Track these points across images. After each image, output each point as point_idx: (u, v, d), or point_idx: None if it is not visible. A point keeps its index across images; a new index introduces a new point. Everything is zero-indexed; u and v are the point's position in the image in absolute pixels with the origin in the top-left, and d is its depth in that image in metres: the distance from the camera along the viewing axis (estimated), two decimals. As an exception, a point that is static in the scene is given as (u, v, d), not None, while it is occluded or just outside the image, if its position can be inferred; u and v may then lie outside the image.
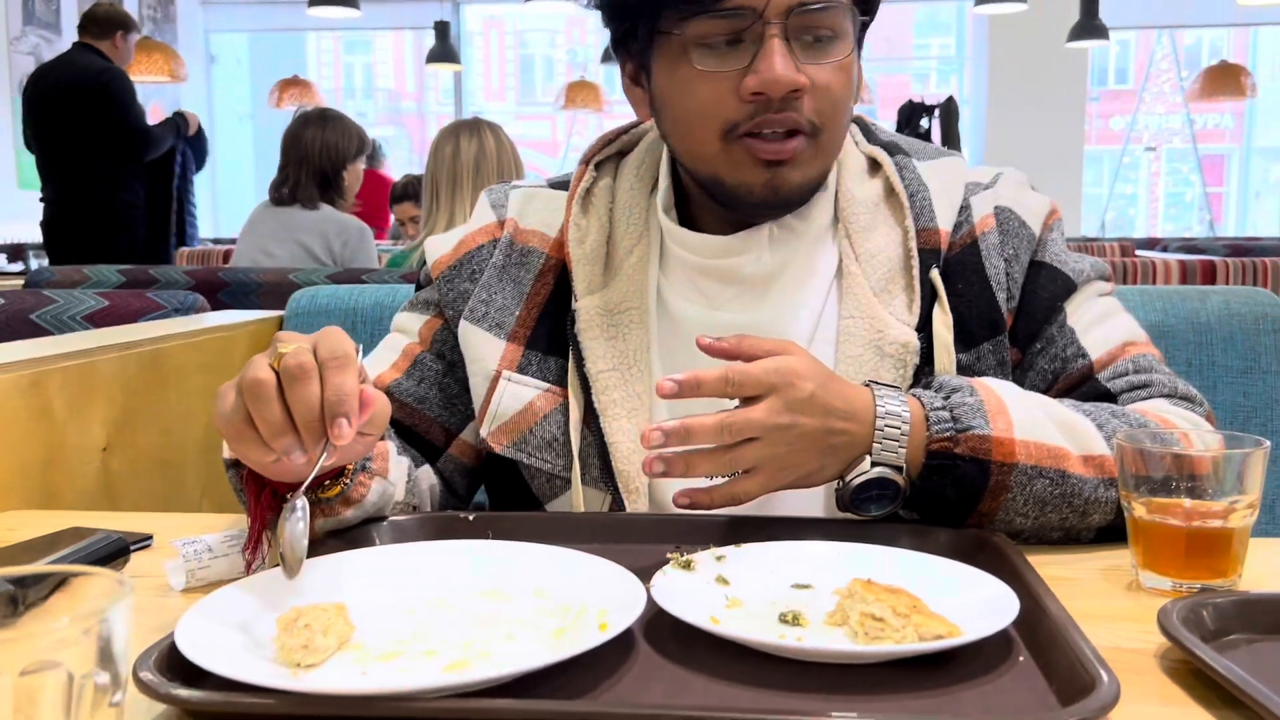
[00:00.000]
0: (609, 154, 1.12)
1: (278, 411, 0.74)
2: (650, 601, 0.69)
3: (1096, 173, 9.50)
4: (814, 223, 1.04)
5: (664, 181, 1.07)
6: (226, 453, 0.90)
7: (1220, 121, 10.05)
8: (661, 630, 0.70)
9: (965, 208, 1.05)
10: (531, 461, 1.03)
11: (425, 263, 1.14)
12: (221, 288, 2.33)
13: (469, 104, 9.54)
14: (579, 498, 1.02)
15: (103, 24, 4.34)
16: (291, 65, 9.21)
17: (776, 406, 0.83)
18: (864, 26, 1.01)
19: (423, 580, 0.76)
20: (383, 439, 0.93)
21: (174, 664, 0.62)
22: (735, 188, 0.98)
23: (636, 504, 1.01)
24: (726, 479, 0.86)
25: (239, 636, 0.66)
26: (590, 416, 1.02)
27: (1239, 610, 0.70)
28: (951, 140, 5.70)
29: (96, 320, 1.58)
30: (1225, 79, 6.80)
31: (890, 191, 1.06)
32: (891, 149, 1.09)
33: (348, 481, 0.87)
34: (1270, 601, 0.69)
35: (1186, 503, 0.79)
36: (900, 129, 5.43)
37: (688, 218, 1.07)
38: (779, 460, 0.85)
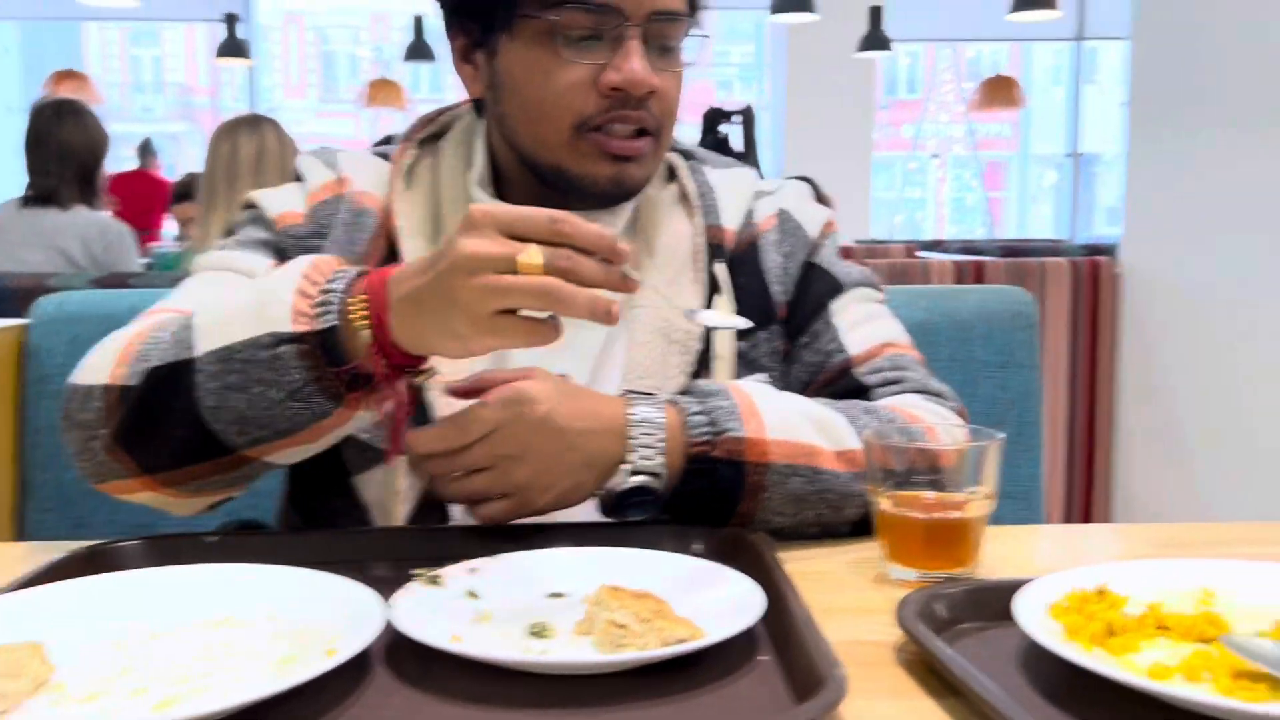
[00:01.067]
0: (428, 133, 1.12)
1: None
2: (390, 622, 0.66)
3: (887, 178, 9.96)
4: (619, 219, 1.06)
5: (480, 159, 1.06)
6: (283, 326, 0.81)
7: (1000, 130, 10.71)
8: (401, 651, 0.67)
9: (751, 211, 1.12)
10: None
11: (255, 211, 1.07)
12: (-33, 295, 2.14)
13: (266, 100, 9.18)
14: (399, 476, 0.98)
15: None
16: (68, 58, 8.64)
17: (500, 439, 0.85)
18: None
19: (142, 611, 0.70)
20: None
21: None
22: (579, 178, 1.00)
23: None
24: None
25: (-88, 686, 0.59)
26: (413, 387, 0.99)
27: (969, 599, 0.72)
28: (750, 145, 5.85)
29: None
30: (1001, 90, 7.24)
31: (683, 194, 1.11)
32: (687, 154, 1.14)
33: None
34: (998, 589, 0.71)
35: (929, 495, 0.81)
36: (704, 134, 5.54)
37: (502, 197, 1.06)
38: (521, 485, 0.86)
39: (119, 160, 6.46)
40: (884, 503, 0.82)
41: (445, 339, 0.79)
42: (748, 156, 4.45)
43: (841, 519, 0.93)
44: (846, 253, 1.22)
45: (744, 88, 10.29)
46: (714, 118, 6.10)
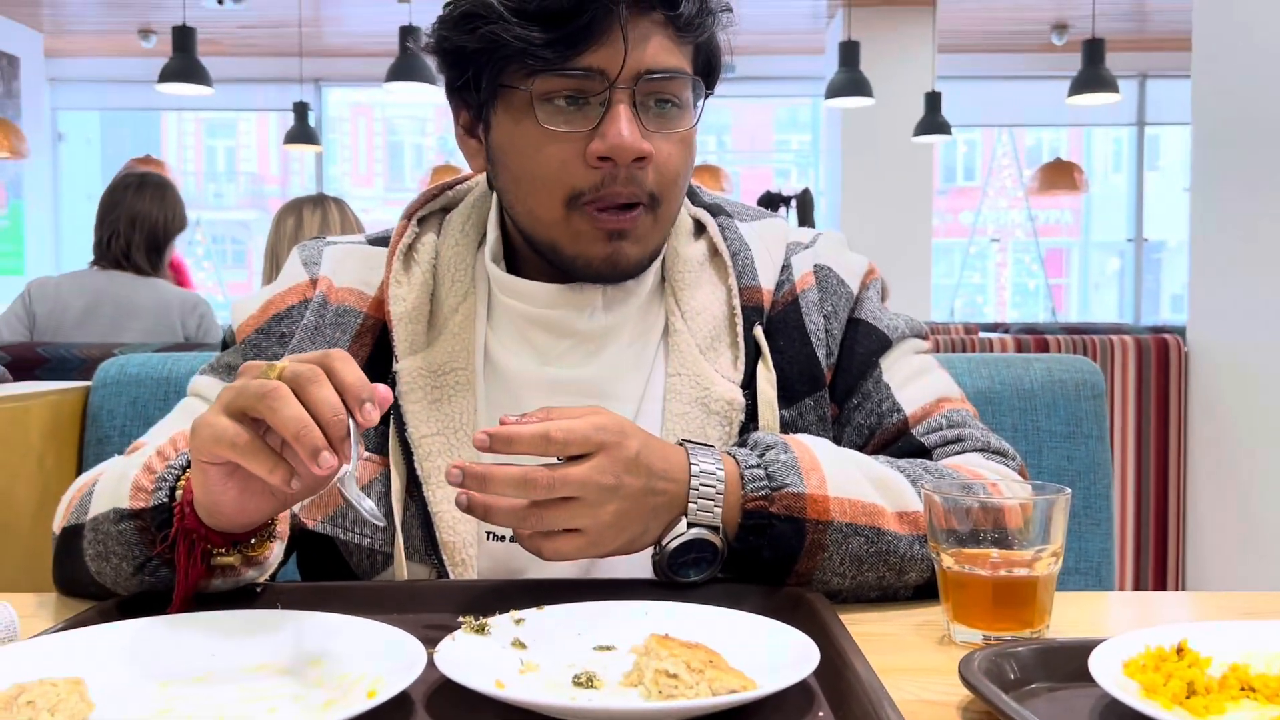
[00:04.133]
0: (432, 209, 1.08)
1: (300, 409, 0.70)
2: (435, 668, 0.64)
3: (947, 264, 9.91)
4: (645, 283, 1.02)
5: (493, 234, 1.03)
6: (124, 503, 0.82)
7: (1060, 217, 10.64)
8: (445, 697, 0.65)
9: (786, 266, 1.06)
10: (349, 538, 0.97)
11: (230, 326, 1.08)
12: (39, 364, 2.19)
13: (334, 188, 9.44)
14: (402, 573, 0.96)
15: None
16: (146, 146, 8.97)
17: (603, 465, 0.81)
18: (705, 97, 1.00)
19: (185, 654, 0.69)
20: None
21: None
22: (574, 259, 0.96)
23: (464, 577, 0.95)
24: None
25: (-48, 719, 0.58)
26: (413, 486, 0.97)
27: (1039, 659, 0.69)
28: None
29: (-125, 391, 1.45)
30: (1061, 175, 7.20)
31: (714, 252, 1.06)
32: (714, 210, 1.09)
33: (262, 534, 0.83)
34: (1070, 649, 0.68)
35: (994, 553, 0.78)
36: (759, 218, 5.56)
37: (515, 271, 1.03)
38: (603, 523, 0.81)
39: (208, 243, 6.67)
40: (947, 560, 0.79)
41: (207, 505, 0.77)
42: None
43: (902, 583, 0.89)
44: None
45: (801, 175, 10.37)
46: (770, 202, 6.15)
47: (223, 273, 10.44)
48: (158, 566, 0.82)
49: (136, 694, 0.64)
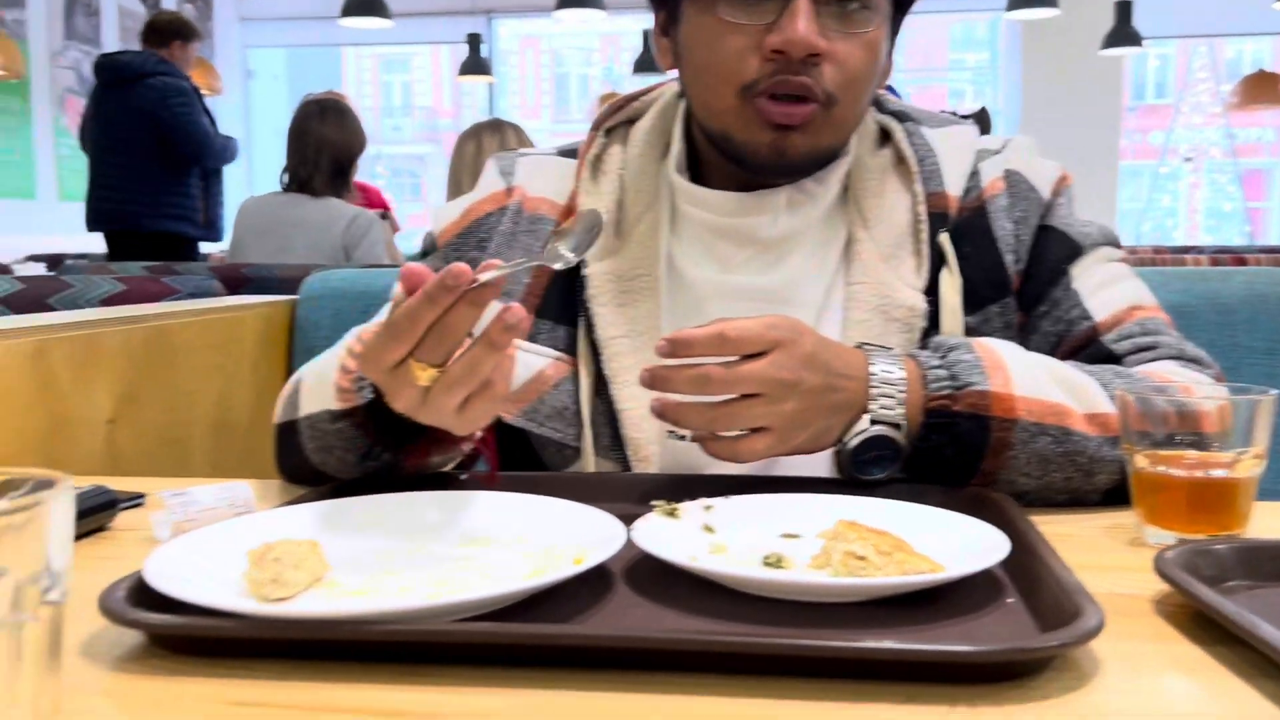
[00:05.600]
0: (619, 121, 1.11)
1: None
2: (631, 545, 0.68)
3: (1134, 188, 9.39)
4: (828, 191, 1.03)
5: (677, 144, 1.06)
6: (333, 405, 0.88)
7: (1261, 135, 9.92)
8: (641, 572, 0.68)
9: (975, 173, 1.05)
10: (542, 431, 1.02)
11: (430, 233, 1.14)
12: (244, 283, 2.34)
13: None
14: (590, 467, 1.01)
15: (163, 32, 4.46)
16: (328, 82, 9.32)
17: (780, 361, 0.82)
18: (900, 9, 1.00)
19: (402, 528, 0.75)
20: None
21: (141, 595, 0.61)
22: (742, 146, 0.98)
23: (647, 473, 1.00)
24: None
25: (209, 572, 0.65)
26: (601, 385, 1.02)
27: (1239, 557, 0.67)
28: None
29: (110, 303, 1.60)
30: (1264, 89, 6.70)
31: (900, 159, 1.05)
32: (901, 116, 1.08)
33: None
34: (1271, 548, 0.66)
35: (1192, 454, 0.76)
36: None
37: (700, 181, 1.06)
38: (786, 419, 0.83)
39: (369, 178, 6.94)
40: (1141, 461, 0.78)
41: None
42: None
43: (1091, 485, 0.88)
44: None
45: (976, 94, 9.96)
46: (945, 124, 5.95)
47: (401, 206, 10.83)
48: (380, 453, 0.89)
49: (364, 559, 0.70)
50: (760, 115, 0.95)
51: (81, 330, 1.18)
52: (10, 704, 0.43)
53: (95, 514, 0.84)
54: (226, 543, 0.69)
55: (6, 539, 0.42)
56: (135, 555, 0.77)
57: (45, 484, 0.45)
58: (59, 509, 0.44)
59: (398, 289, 0.77)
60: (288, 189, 3.08)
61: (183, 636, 0.58)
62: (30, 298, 1.60)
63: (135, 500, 0.92)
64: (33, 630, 0.43)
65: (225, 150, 4.43)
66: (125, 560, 0.75)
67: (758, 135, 0.96)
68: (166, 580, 0.60)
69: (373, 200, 3.85)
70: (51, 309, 1.56)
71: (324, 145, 3.01)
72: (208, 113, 4.36)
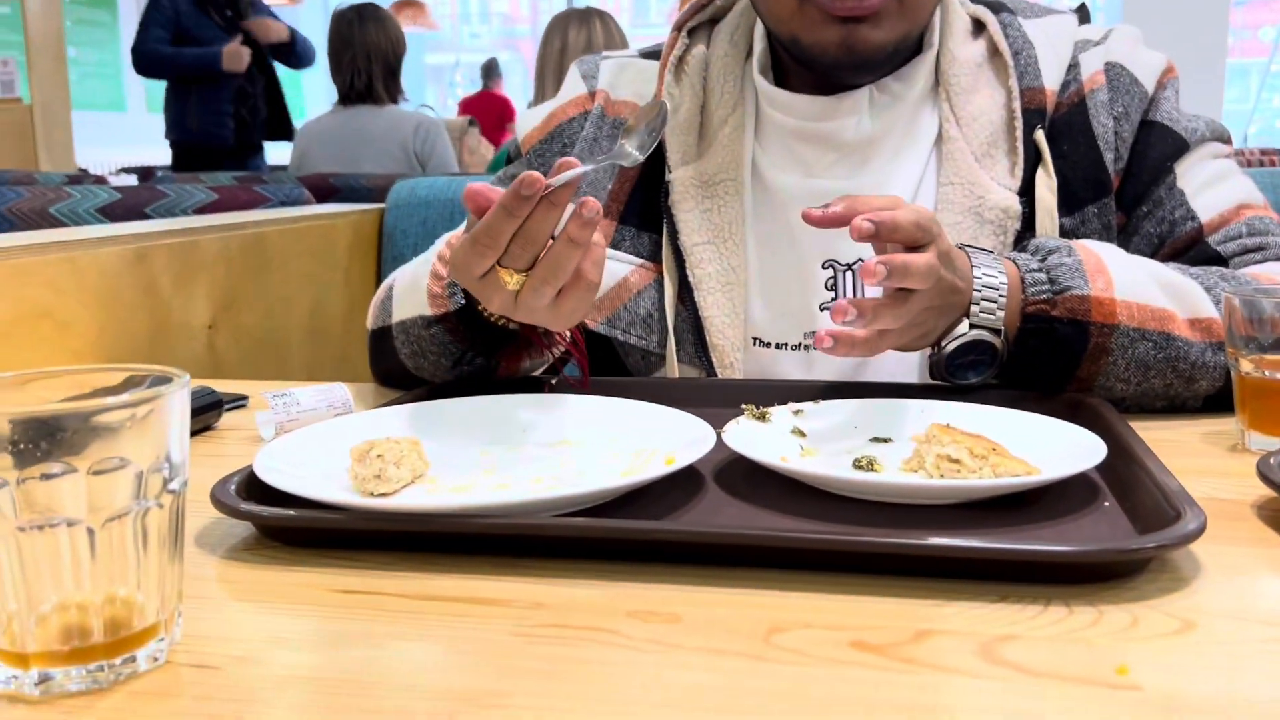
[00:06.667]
0: (701, 20, 1.09)
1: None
2: (721, 448, 0.68)
3: (1242, 87, 8.94)
4: (915, 86, 1.00)
5: (759, 45, 1.04)
6: (426, 310, 0.89)
7: (1383, 30, 9.32)
8: (732, 473, 0.69)
9: (1074, 65, 1.01)
10: (626, 338, 1.03)
11: (514, 138, 1.14)
12: (332, 192, 2.37)
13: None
14: (674, 374, 1.01)
15: None
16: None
17: (936, 254, 0.76)
18: None
19: (497, 429, 0.77)
20: None
21: (251, 489, 0.63)
22: (810, 47, 0.95)
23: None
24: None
25: (315, 468, 0.68)
26: (685, 291, 1.01)
27: (1350, 462, 0.65)
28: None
29: (205, 211, 1.63)
30: (1388, -22, 6.29)
31: (994, 52, 1.01)
32: (996, 7, 1.04)
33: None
34: (1386, 453, 0.64)
35: (1300, 360, 0.74)
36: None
37: (783, 84, 1.03)
38: (916, 315, 0.77)
39: (466, 84, 6.92)
40: (1246, 365, 0.76)
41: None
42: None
43: (1191, 392, 0.86)
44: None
45: (1074, -9, 9.53)
46: (1039, 21, 5.72)
47: (479, 115, 10.79)
48: (474, 358, 0.90)
49: (462, 456, 0.72)
50: (822, 12, 0.92)
51: (180, 238, 1.22)
52: (137, 586, 0.45)
53: (203, 414, 0.88)
54: (330, 441, 0.71)
55: (130, 431, 0.44)
56: (241, 453, 0.80)
57: (164, 379, 0.47)
58: (176, 403, 0.46)
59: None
60: (346, 102, 3.08)
61: (291, 528, 0.60)
62: (127, 206, 1.64)
63: (239, 401, 0.95)
64: (156, 516, 0.45)
65: (307, 52, 4.47)
66: (232, 458, 0.78)
67: (824, 34, 0.93)
68: (275, 475, 0.63)
69: (506, 112, 3.86)
70: (147, 218, 1.61)
71: (373, 50, 3.02)
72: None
